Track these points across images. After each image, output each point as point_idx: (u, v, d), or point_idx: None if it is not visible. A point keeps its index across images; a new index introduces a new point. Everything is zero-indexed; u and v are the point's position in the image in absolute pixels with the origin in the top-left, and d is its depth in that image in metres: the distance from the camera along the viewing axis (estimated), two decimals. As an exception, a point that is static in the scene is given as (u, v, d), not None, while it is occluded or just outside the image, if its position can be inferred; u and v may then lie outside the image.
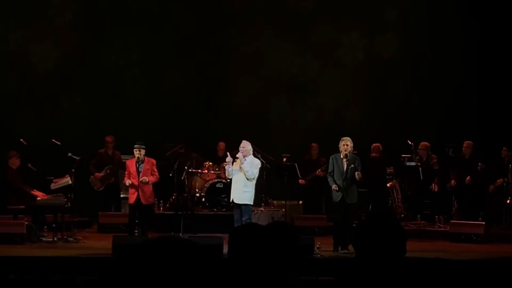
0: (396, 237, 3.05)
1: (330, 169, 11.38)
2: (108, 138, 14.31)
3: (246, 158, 11.30)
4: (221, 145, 15.09)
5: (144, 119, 15.97)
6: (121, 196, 14.13)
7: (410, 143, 14.29)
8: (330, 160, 11.40)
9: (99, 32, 16.06)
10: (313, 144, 14.78)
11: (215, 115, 16.00)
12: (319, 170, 14.14)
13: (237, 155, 11.39)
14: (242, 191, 11.24)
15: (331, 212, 12.05)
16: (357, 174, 11.16)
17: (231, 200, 11.47)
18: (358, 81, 16.42)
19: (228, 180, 12.24)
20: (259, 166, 11.66)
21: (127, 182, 11.82)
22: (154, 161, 12.01)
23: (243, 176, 11.23)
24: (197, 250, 2.49)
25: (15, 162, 12.52)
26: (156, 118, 15.96)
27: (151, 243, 2.45)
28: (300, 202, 14.73)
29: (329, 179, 11.38)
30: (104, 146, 14.31)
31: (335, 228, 11.43)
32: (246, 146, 11.38)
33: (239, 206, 11.22)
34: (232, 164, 11.49)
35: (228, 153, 11.92)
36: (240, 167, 11.22)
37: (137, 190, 11.69)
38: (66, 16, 15.90)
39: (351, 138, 11.35)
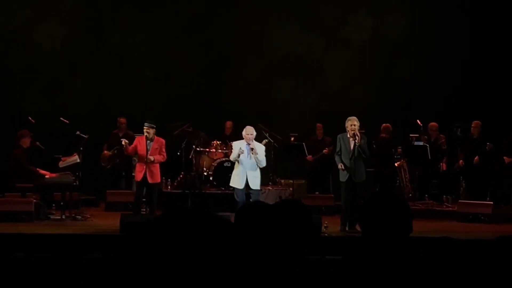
0: (402, 215, 3.04)
1: (337, 149, 11.35)
2: (121, 119, 14.31)
3: (250, 143, 11.19)
4: (228, 124, 15.08)
5: (150, 98, 15.93)
6: (133, 174, 14.11)
7: (419, 123, 14.23)
8: (337, 140, 11.36)
9: (105, 12, 16.00)
10: (318, 124, 14.78)
11: (222, 95, 15.92)
12: (326, 149, 14.14)
13: (250, 146, 11.10)
14: (254, 177, 11.21)
15: (339, 191, 12.01)
16: (357, 139, 10.91)
17: (238, 186, 11.20)
18: (364, 60, 16.32)
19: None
20: (264, 149, 11.65)
21: (124, 141, 11.72)
22: (164, 141, 11.81)
23: (253, 161, 11.17)
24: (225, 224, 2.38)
25: (26, 142, 12.45)
26: (162, 98, 15.91)
27: (179, 215, 2.32)
28: (304, 181, 14.65)
29: (336, 158, 11.35)
30: (117, 127, 14.36)
31: (343, 208, 11.42)
32: (254, 132, 11.25)
33: (249, 189, 11.19)
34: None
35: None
36: (256, 159, 11.10)
37: (145, 168, 11.62)
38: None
39: (357, 117, 11.26)
